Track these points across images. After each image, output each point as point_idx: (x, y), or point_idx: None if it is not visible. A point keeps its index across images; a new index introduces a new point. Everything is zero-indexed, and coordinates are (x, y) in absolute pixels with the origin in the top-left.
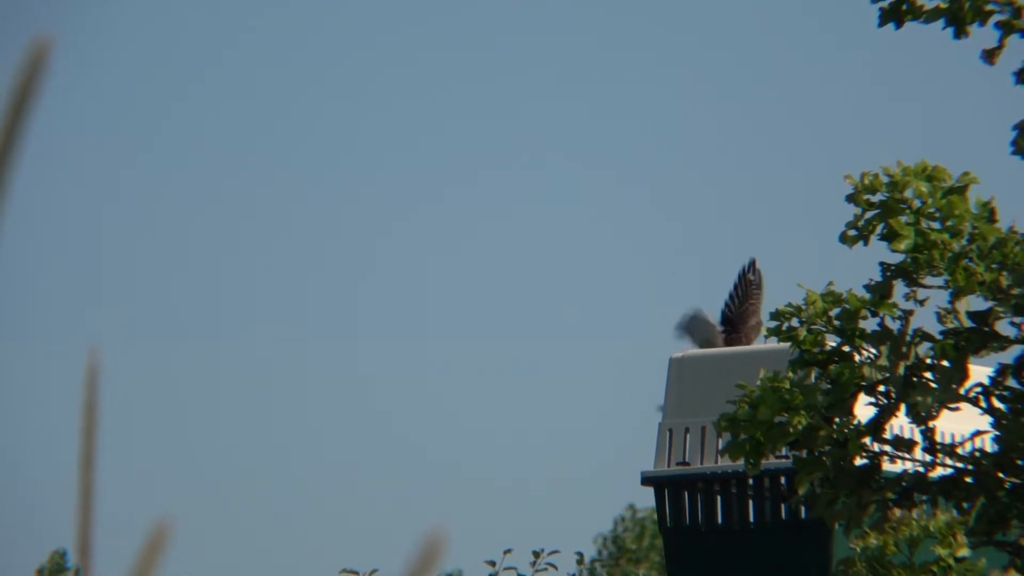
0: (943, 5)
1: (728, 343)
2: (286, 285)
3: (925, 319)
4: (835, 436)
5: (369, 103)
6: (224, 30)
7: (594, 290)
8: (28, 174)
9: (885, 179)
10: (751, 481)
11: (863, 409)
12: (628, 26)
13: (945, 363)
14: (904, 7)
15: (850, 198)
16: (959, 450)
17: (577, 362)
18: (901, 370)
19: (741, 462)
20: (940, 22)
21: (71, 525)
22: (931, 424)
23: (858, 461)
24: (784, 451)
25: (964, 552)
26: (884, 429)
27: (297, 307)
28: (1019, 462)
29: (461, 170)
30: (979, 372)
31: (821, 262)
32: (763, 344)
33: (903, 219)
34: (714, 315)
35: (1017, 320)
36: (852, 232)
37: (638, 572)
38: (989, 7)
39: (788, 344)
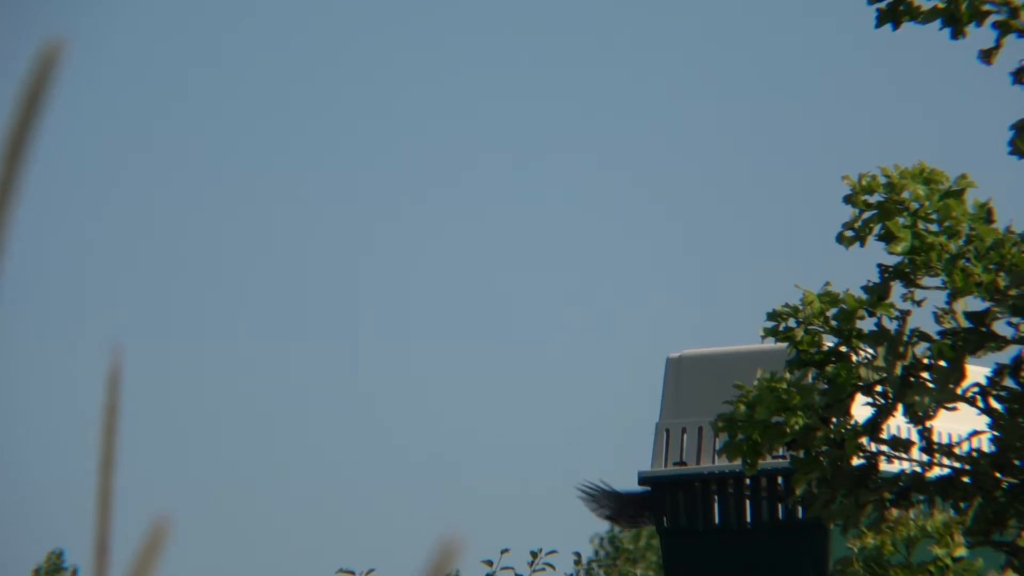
0: (940, 5)
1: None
2: (285, 287)
3: (923, 319)
4: (832, 436)
5: (368, 100)
6: (207, 32)
7: (591, 290)
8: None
9: (883, 180)
10: (748, 481)
11: (860, 409)
12: (627, 25)
13: (942, 363)
14: (901, 8)
15: (847, 199)
16: (956, 450)
17: (574, 363)
18: (898, 370)
19: (738, 462)
20: (937, 22)
21: (69, 525)
22: (928, 424)
23: (855, 461)
24: (781, 451)
25: (961, 552)
26: (881, 429)
27: (295, 309)
28: (1016, 462)
29: (454, 170)
30: (976, 372)
31: (819, 262)
32: (760, 344)
33: (900, 221)
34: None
35: (1014, 320)
36: (849, 233)
37: (635, 572)
38: (986, 7)
39: (785, 344)
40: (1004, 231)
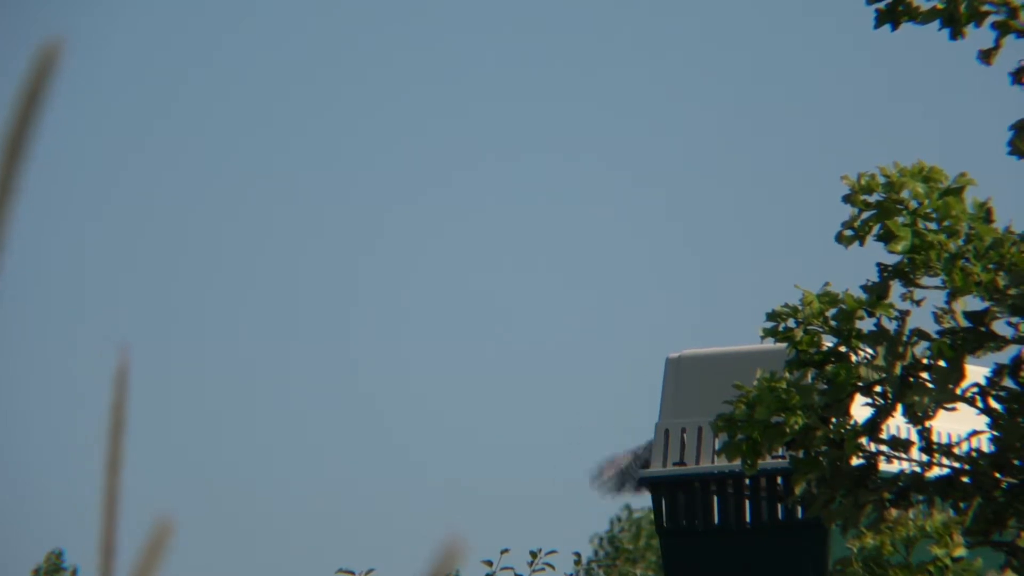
0: (939, 6)
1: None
2: (285, 287)
3: (922, 319)
4: (832, 436)
5: (368, 100)
6: (206, 33)
7: (591, 291)
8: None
9: (882, 179)
10: (748, 481)
11: (860, 409)
12: (627, 25)
13: (942, 363)
14: (900, 8)
15: (847, 198)
16: (956, 450)
17: (574, 363)
18: (898, 370)
19: (738, 462)
20: (936, 23)
21: (69, 525)
22: (928, 424)
23: (855, 461)
24: (781, 451)
25: (961, 552)
26: (881, 429)
27: (295, 309)
28: (1016, 462)
29: (453, 170)
30: (976, 372)
31: (819, 262)
32: (760, 344)
33: (900, 220)
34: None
35: (1014, 320)
36: (848, 232)
37: (635, 572)
38: (985, 8)
39: (785, 344)
40: (1003, 231)
